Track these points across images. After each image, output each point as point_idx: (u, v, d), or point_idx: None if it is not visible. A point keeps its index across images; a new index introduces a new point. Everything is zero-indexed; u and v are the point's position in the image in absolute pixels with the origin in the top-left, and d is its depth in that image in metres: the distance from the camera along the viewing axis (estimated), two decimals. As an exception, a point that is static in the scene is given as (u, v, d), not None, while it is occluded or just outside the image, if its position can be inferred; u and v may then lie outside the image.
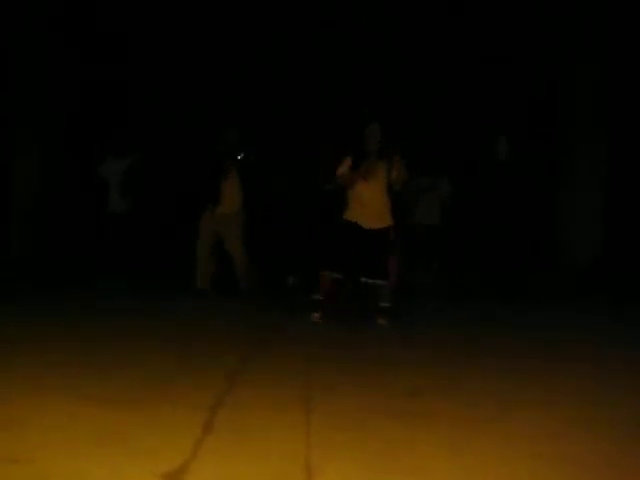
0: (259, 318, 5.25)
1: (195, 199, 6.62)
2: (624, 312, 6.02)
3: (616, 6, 8.25)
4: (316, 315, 5.12)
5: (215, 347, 3.95)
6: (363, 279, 5.10)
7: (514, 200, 8.29)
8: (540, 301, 6.68)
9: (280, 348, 4.08)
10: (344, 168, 5.13)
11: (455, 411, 2.69)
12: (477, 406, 2.78)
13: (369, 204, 5.07)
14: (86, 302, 5.54)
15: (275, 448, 2.14)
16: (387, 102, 9.51)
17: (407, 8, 9.32)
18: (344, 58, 9.54)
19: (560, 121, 8.86)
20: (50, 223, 9.02)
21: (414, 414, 2.61)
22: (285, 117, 9.35)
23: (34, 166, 9.20)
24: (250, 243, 6.49)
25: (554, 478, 2.03)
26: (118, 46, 9.40)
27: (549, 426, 2.52)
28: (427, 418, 2.56)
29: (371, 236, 5.06)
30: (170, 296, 6.13)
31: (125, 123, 9.17)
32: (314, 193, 7.16)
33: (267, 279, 6.89)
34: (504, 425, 2.52)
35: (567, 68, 8.72)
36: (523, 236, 9.05)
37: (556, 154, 8.94)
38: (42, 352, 3.50)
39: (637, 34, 8.26)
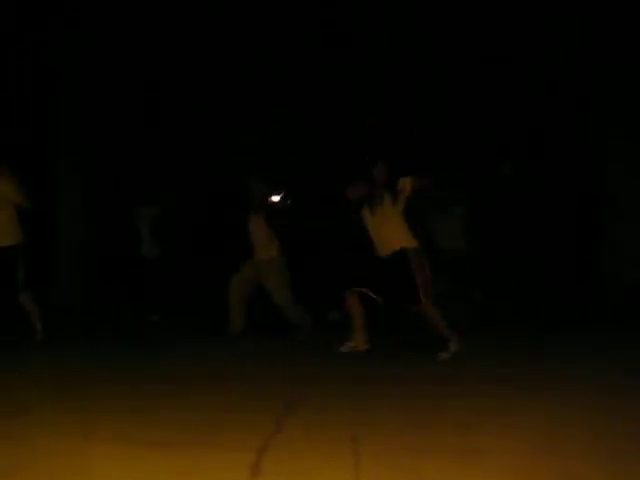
0: (306, 357, 5.25)
1: (228, 245, 6.75)
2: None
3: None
4: (348, 344, 5.16)
5: (262, 389, 3.95)
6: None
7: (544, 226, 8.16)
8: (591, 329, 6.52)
9: (327, 386, 4.06)
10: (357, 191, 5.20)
11: (504, 445, 2.61)
12: (526, 440, 2.70)
13: (379, 235, 5.17)
14: (130, 350, 5.63)
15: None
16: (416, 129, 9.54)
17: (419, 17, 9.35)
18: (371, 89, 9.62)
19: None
20: (93, 269, 9.23)
21: (464, 451, 2.54)
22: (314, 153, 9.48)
23: (76, 213, 9.44)
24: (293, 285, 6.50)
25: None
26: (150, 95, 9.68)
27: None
28: (477, 454, 2.50)
29: (389, 264, 5.09)
30: (210, 340, 6.19)
31: (155, 169, 9.43)
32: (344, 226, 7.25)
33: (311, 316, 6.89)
34: (551, 460, 2.44)
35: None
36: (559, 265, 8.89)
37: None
38: (90, 399, 3.55)
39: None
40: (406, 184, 5.10)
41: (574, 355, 5.12)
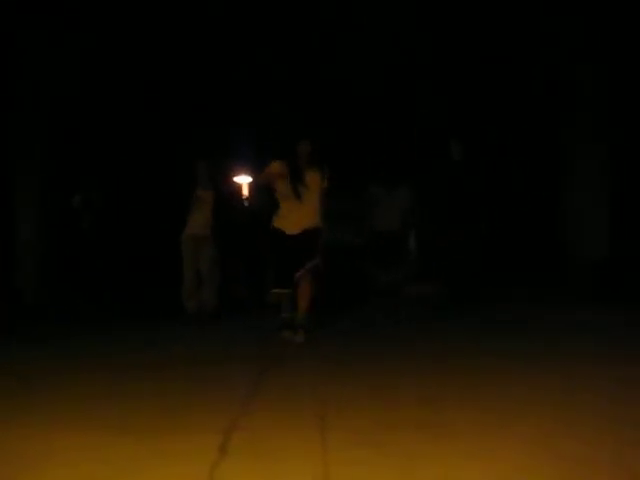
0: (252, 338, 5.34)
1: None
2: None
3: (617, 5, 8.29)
4: (287, 332, 5.20)
5: (225, 371, 3.96)
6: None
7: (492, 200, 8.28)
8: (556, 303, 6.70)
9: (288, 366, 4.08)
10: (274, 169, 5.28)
11: (473, 419, 2.66)
12: (493, 411, 2.75)
13: (307, 211, 5.26)
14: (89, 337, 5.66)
15: (293, 468, 2.11)
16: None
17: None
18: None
19: (560, 121, 8.89)
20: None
21: (433, 426, 2.58)
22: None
23: (35, 204, 9.24)
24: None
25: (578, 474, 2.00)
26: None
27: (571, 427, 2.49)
28: (444, 427, 2.53)
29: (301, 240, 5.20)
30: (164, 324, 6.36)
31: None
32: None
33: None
34: (520, 430, 2.49)
35: (567, 68, 8.74)
36: (518, 236, 9.05)
37: (557, 154, 8.95)
38: (65, 386, 3.54)
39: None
40: (324, 186, 5.31)
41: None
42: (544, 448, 2.25)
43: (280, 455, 2.24)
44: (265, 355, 4.55)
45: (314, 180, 5.27)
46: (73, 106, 9.24)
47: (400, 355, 4.46)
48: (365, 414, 2.80)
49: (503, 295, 7.71)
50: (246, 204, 9.11)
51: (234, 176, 9.78)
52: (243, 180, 10.01)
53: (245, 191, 9.37)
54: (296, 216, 5.25)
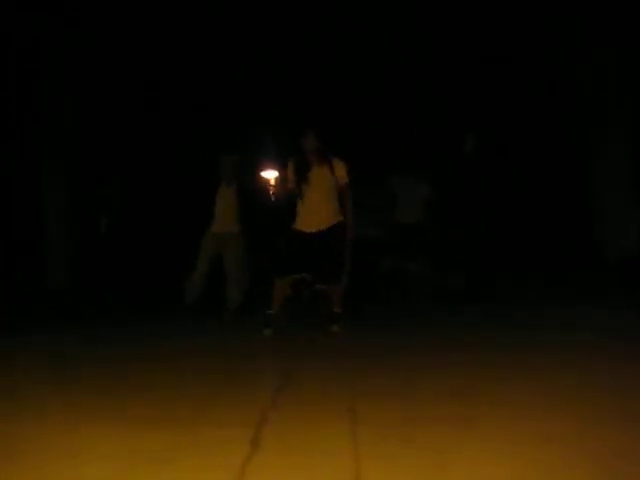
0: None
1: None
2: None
3: None
4: (268, 330, 5.14)
5: (254, 364, 3.98)
6: (318, 286, 5.17)
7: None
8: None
9: (317, 360, 4.09)
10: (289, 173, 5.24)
11: (503, 414, 2.64)
12: (527, 407, 2.73)
13: (318, 208, 5.14)
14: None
15: (323, 463, 2.12)
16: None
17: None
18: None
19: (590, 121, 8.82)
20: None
21: (463, 420, 2.56)
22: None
23: (62, 197, 9.42)
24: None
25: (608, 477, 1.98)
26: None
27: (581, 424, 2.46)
28: (476, 423, 2.52)
29: (320, 239, 5.09)
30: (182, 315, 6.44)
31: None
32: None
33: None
34: (545, 427, 2.47)
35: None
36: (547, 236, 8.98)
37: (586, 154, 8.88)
38: (89, 378, 3.58)
39: None
40: (343, 181, 5.16)
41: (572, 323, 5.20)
42: (571, 447, 2.22)
43: (311, 449, 2.25)
44: (294, 349, 4.58)
45: (321, 176, 5.12)
46: (96, 106, 9.40)
47: (430, 348, 4.43)
48: (396, 408, 2.79)
49: (521, 293, 7.65)
50: (273, 199, 9.15)
51: (261, 171, 9.81)
52: (270, 175, 10.05)
53: (272, 186, 9.42)
54: (308, 215, 5.15)
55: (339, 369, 3.78)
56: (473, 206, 7.45)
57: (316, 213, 5.13)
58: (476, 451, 2.19)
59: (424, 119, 9.90)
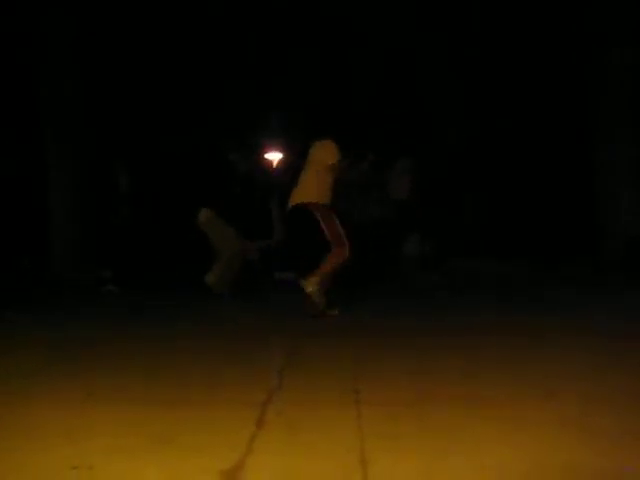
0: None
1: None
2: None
3: None
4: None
5: (260, 343, 4.00)
6: None
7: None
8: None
9: (322, 340, 4.10)
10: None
11: (509, 394, 2.64)
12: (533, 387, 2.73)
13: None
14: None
15: (328, 442, 2.12)
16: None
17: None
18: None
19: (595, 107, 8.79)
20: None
21: (469, 400, 2.57)
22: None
23: (69, 182, 9.41)
24: None
25: (613, 452, 1.97)
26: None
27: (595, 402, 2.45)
28: (482, 403, 2.52)
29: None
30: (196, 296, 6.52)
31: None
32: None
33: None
34: (550, 406, 2.46)
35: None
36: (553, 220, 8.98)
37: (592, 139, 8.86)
38: (91, 358, 3.58)
39: None
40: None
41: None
42: (586, 429, 2.21)
43: (315, 429, 2.25)
44: (299, 329, 4.59)
45: (312, 155, 5.25)
46: (105, 90, 9.39)
47: (435, 329, 4.44)
48: (401, 388, 2.80)
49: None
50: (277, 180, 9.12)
51: (265, 153, 9.79)
52: (274, 157, 10.03)
53: (275, 166, 9.40)
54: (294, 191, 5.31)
55: (343, 349, 3.79)
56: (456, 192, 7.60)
57: (297, 190, 5.31)
58: (483, 429, 2.19)
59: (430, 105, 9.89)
